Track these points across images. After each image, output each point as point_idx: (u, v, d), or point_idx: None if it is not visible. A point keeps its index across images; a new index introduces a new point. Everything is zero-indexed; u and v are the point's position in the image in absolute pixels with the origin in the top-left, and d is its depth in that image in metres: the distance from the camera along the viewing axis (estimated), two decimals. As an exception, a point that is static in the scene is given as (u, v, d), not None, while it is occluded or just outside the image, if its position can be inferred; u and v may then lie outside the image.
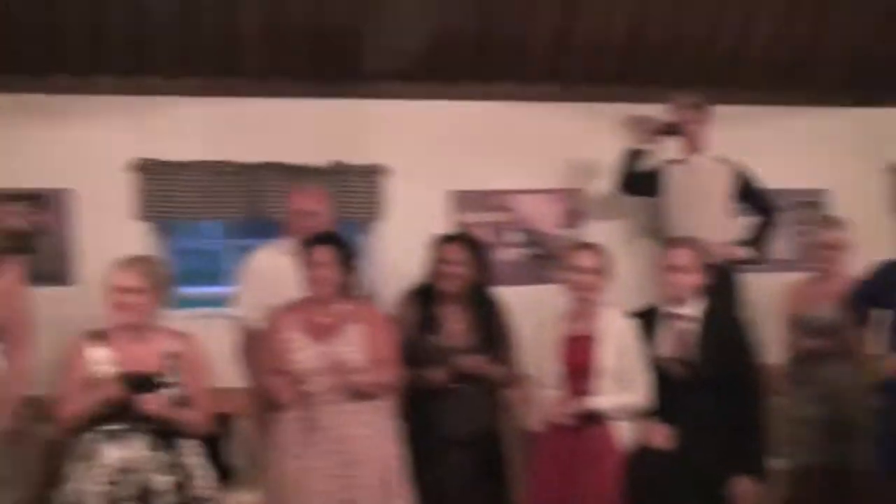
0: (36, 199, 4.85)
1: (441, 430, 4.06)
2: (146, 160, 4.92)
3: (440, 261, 4.19)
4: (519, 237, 5.46)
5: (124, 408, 3.46)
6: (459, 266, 4.16)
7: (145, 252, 4.53)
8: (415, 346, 4.07)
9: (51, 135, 4.85)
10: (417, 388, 4.00)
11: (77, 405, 3.53)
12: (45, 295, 4.29)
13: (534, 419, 4.07)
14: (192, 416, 3.58)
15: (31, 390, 3.83)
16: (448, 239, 4.28)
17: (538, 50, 5.30)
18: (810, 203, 5.76)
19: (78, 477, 3.49)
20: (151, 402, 3.47)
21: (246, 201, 5.03)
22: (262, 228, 5.12)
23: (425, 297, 4.21)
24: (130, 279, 3.58)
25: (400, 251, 4.96)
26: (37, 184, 4.84)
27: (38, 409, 4.24)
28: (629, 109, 5.35)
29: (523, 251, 5.47)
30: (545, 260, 5.41)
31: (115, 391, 3.46)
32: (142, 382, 3.49)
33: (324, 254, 3.77)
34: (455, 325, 4.17)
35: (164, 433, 3.54)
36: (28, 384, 3.69)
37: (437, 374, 4.02)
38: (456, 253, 4.18)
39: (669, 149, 5.23)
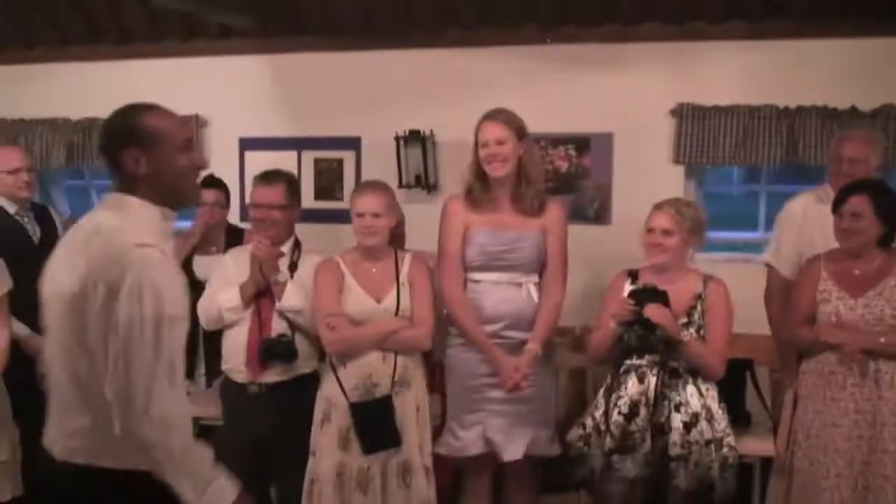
0: (580, 143, 5.20)
1: None
2: (684, 104, 5.02)
3: None
4: None
5: (637, 320, 3.62)
6: None
7: (678, 195, 4.64)
8: None
9: (596, 81, 5.14)
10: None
11: (602, 332, 3.79)
12: (584, 232, 4.64)
13: None
14: (706, 351, 3.65)
15: (565, 321, 4.15)
16: None
17: None
18: None
19: (602, 404, 3.76)
20: (654, 312, 3.57)
21: (783, 146, 4.92)
22: (798, 174, 4.98)
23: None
24: (664, 222, 3.72)
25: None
26: (582, 128, 5.18)
27: (570, 338, 4.64)
28: None
29: None
30: None
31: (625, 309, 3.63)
32: (649, 292, 3.61)
33: (857, 204, 3.60)
34: None
35: (679, 372, 3.66)
36: (559, 315, 3.96)
37: None
38: None
39: None
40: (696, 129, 5.00)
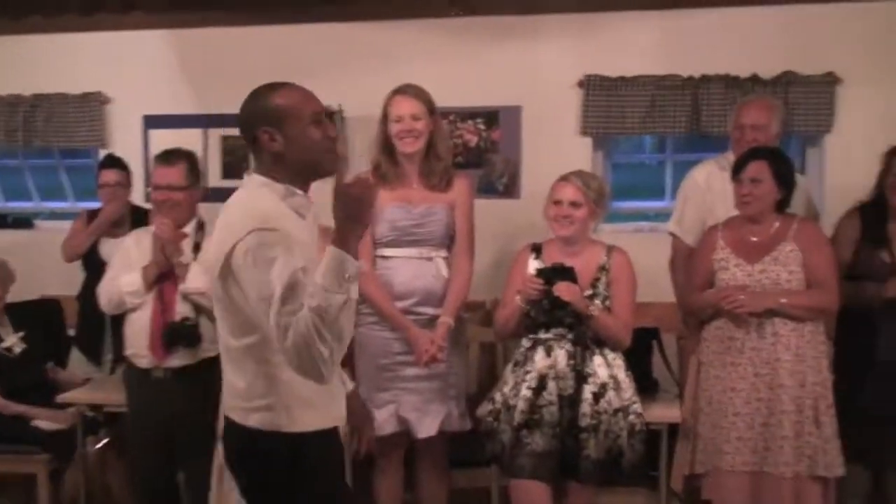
0: (489, 117, 5.21)
1: (882, 351, 3.80)
2: (591, 76, 5.05)
3: (894, 174, 3.87)
4: None
5: (545, 298, 3.63)
6: None
7: (586, 167, 4.68)
8: (860, 262, 3.86)
9: (504, 54, 5.14)
10: (854, 308, 3.79)
11: (508, 308, 3.81)
12: (493, 206, 4.65)
13: None
14: (613, 323, 3.70)
15: (475, 295, 4.16)
16: None
17: None
18: None
19: (511, 379, 3.79)
20: (564, 290, 3.60)
21: (688, 115, 4.99)
22: (703, 143, 5.06)
23: (875, 211, 3.91)
24: (571, 194, 3.74)
25: (851, 166, 4.65)
26: (491, 102, 5.18)
27: (480, 313, 4.66)
28: None
29: None
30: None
31: (533, 288, 3.65)
32: (557, 271, 3.63)
33: (756, 170, 3.66)
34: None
35: (587, 344, 3.71)
36: (468, 289, 3.95)
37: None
38: None
39: None
40: (603, 100, 5.05)
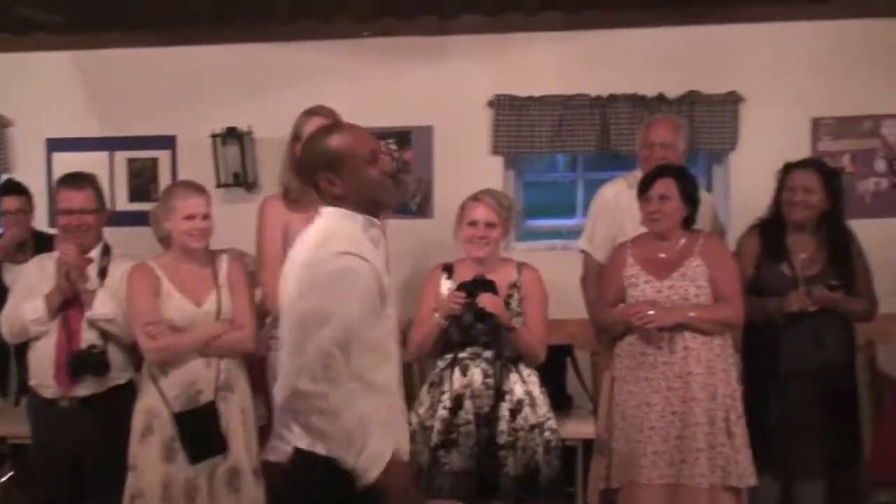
0: (402, 137, 5.20)
1: (785, 363, 3.90)
2: (501, 96, 5.09)
3: (789, 189, 3.98)
4: (885, 165, 5.02)
5: (467, 308, 3.64)
6: (810, 194, 3.91)
7: (498, 186, 4.72)
8: (762, 277, 3.95)
9: (416, 74, 5.15)
10: (760, 321, 3.87)
11: (424, 327, 3.80)
12: (406, 226, 4.65)
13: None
14: (530, 337, 3.72)
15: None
16: (797, 166, 4.04)
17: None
18: None
19: (426, 400, 3.78)
20: (488, 301, 3.61)
21: (597, 134, 5.06)
22: (614, 161, 5.14)
23: (773, 227, 4.02)
24: (486, 214, 3.76)
25: (755, 182, 4.75)
26: (403, 122, 5.17)
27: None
28: None
29: (889, 180, 5.02)
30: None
31: (455, 302, 3.66)
32: (479, 283, 3.65)
33: (664, 187, 3.73)
34: (804, 254, 3.94)
35: (504, 361, 3.72)
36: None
37: (796, 299, 3.84)
38: (805, 180, 3.95)
39: None
40: (513, 119, 5.08)
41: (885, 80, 4.91)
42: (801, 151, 4.56)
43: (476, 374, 3.71)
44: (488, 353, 3.72)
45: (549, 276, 3.91)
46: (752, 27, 5.03)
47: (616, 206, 4.28)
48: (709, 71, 5.04)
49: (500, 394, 3.69)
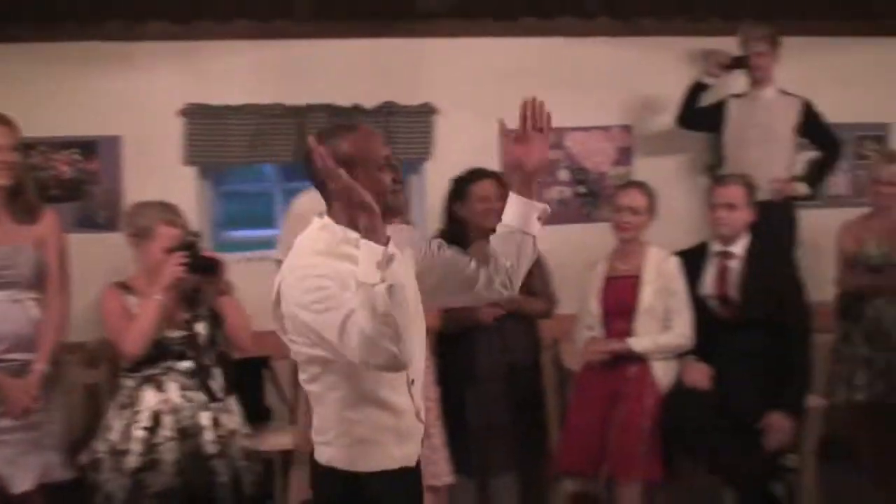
0: (86, 147, 4.92)
1: (477, 365, 4.05)
2: (193, 105, 4.94)
3: (479, 199, 4.14)
4: (569, 175, 5.35)
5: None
6: (493, 202, 4.06)
7: (192, 197, 4.58)
8: None
9: (101, 82, 4.88)
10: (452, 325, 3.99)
11: (140, 320, 3.65)
12: (94, 241, 4.40)
13: (573, 358, 4.08)
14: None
15: (72, 336, 3.93)
16: (481, 175, 4.21)
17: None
18: (872, 137, 5.55)
19: (117, 423, 3.61)
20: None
21: (295, 144, 5.02)
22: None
23: (452, 234, 4.16)
24: (174, 233, 3.68)
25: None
26: (87, 131, 4.89)
27: (80, 354, 4.38)
28: (689, 43, 5.27)
29: (572, 189, 5.36)
30: (593, 198, 5.32)
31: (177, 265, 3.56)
32: (189, 238, 3.60)
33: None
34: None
35: (196, 372, 3.62)
36: (66, 330, 3.77)
37: (489, 311, 3.97)
38: (488, 189, 4.12)
39: (735, 82, 5.09)
40: (207, 129, 4.94)
41: (569, 95, 5.20)
42: (493, 161, 4.75)
43: (172, 388, 3.60)
44: (184, 365, 3.60)
45: (248, 287, 3.84)
46: (445, 42, 5.19)
47: (307, 215, 4.23)
48: (404, 83, 5.14)
49: (199, 405, 3.59)
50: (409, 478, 2.50)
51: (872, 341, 4.35)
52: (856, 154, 5.50)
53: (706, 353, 3.95)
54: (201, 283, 3.63)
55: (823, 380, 4.43)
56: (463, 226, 4.16)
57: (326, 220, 2.43)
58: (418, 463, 2.54)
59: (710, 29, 5.25)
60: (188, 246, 3.55)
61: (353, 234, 2.32)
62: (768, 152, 4.90)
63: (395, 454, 2.43)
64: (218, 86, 4.97)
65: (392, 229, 2.30)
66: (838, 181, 5.41)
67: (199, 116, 4.94)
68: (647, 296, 3.99)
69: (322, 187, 2.41)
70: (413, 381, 2.47)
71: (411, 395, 2.46)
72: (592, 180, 5.35)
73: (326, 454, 2.41)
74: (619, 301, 4.04)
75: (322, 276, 2.24)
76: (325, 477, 2.43)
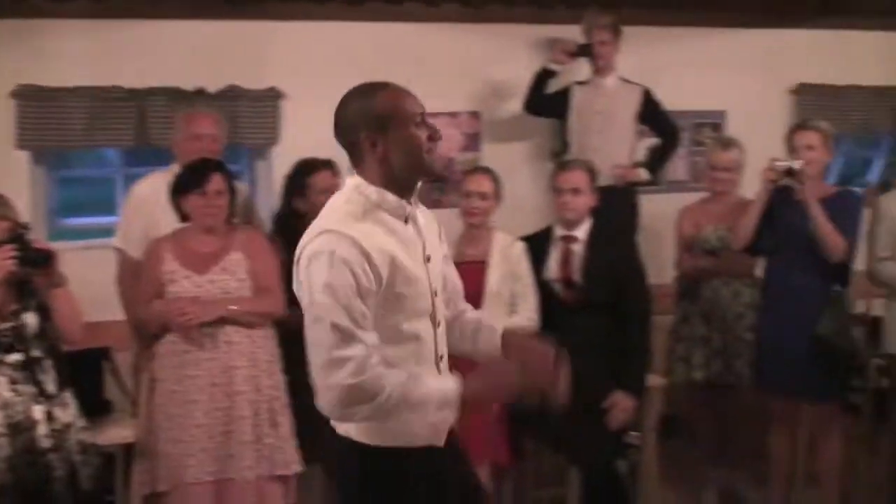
0: None
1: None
2: (25, 86, 4.71)
3: (317, 191, 4.10)
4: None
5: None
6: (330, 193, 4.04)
7: (25, 182, 4.38)
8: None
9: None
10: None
11: None
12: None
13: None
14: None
15: None
16: (317, 166, 4.18)
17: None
18: (709, 124, 5.79)
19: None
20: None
21: (134, 128, 4.86)
22: (155, 156, 4.97)
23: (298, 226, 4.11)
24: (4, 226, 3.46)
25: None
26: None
27: None
28: (537, 31, 5.35)
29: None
30: (441, 184, 5.35)
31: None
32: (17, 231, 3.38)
33: (220, 182, 3.69)
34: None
35: (26, 363, 3.45)
36: None
37: None
38: (328, 180, 4.10)
39: (580, 70, 5.20)
40: (41, 111, 4.73)
41: (417, 80, 5.12)
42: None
43: (1, 382, 3.40)
44: (13, 358, 3.42)
45: (88, 276, 3.71)
46: (291, 25, 5.12)
47: (156, 202, 4.12)
48: (249, 66, 5.06)
49: (31, 397, 3.42)
50: (435, 456, 2.45)
51: (710, 322, 4.52)
52: (693, 140, 5.73)
53: (551, 335, 4.02)
54: (32, 275, 3.45)
55: (663, 359, 4.59)
56: (302, 219, 4.10)
57: (358, 179, 2.36)
58: (454, 443, 2.52)
59: (556, 17, 5.36)
60: (17, 238, 3.36)
61: (391, 197, 2.33)
62: (610, 139, 5.04)
63: (420, 432, 2.40)
64: (53, 66, 4.77)
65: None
66: (677, 167, 5.62)
67: (33, 98, 4.73)
68: (494, 281, 4.03)
69: (352, 148, 2.35)
70: (441, 356, 2.46)
71: (439, 370, 2.45)
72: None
73: (348, 428, 2.40)
74: (467, 286, 4.06)
75: (339, 274, 2.22)
76: (346, 451, 2.42)
